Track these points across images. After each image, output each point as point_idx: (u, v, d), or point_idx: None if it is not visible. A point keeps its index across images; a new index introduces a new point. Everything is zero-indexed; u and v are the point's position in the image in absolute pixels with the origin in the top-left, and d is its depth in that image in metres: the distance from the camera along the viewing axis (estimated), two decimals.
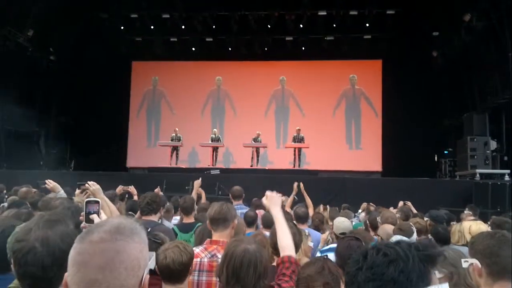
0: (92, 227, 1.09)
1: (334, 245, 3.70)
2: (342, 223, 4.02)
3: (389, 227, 3.95)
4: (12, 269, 1.48)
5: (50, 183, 4.18)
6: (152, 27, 16.55)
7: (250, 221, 4.40)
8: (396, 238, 3.36)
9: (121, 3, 15.77)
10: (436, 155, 15.40)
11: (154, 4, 15.79)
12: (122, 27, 16.84)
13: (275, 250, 2.55)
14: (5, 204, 4.89)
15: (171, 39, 17.20)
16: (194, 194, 5.81)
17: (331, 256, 3.45)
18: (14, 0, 12.87)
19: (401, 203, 6.37)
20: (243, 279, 2.01)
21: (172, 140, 14.38)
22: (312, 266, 1.96)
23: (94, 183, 3.85)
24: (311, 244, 3.49)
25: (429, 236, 4.05)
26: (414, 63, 15.76)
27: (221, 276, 2.08)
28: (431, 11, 14.26)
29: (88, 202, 2.21)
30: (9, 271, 1.60)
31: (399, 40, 16.10)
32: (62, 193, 4.25)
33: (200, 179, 6.27)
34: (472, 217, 5.56)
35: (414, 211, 6.12)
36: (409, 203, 6.38)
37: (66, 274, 1.06)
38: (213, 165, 13.94)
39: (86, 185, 3.92)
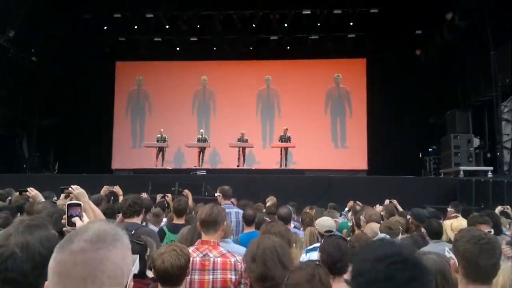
0: (72, 234, 1.05)
1: (318, 245, 3.73)
2: (326, 221, 4.06)
3: (375, 226, 3.98)
4: None
5: (32, 191, 4.10)
6: (136, 27, 16.38)
7: (250, 220, 4.32)
8: (381, 236, 3.37)
9: (104, 3, 15.57)
10: (420, 153, 15.57)
11: (138, 4, 15.62)
12: (105, 27, 16.63)
13: None
14: None
15: (155, 39, 17.06)
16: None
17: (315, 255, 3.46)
18: None
19: (387, 201, 6.41)
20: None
21: (157, 141, 14.28)
22: (301, 272, 1.90)
23: (78, 186, 3.79)
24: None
25: (422, 229, 4.09)
26: (398, 61, 15.92)
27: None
28: (414, 10, 14.40)
29: (69, 205, 2.18)
30: None
31: (383, 39, 16.23)
32: (43, 200, 4.19)
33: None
34: (455, 214, 5.63)
35: (400, 209, 6.17)
36: (394, 201, 6.43)
37: (46, 283, 1.03)
38: (199, 166, 13.89)
39: (70, 188, 3.87)
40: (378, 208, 6.07)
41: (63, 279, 0.98)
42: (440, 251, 3.42)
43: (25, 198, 4.85)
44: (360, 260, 1.17)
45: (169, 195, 6.79)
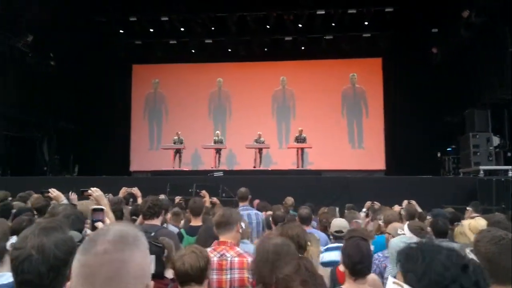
0: (94, 236, 1.08)
1: (332, 245, 3.74)
2: (337, 221, 4.13)
3: (399, 225, 3.96)
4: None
5: (54, 192, 4.18)
6: (151, 30, 16.58)
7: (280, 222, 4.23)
8: (404, 237, 3.32)
9: (120, 7, 15.80)
10: (439, 152, 15.35)
11: (152, 7, 15.81)
12: (121, 31, 16.86)
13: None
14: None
15: (171, 42, 17.21)
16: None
17: (331, 255, 3.46)
18: (13, 6, 12.90)
19: (405, 202, 6.33)
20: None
21: (174, 143, 14.40)
22: (288, 266, 1.98)
23: (97, 189, 3.87)
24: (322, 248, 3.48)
25: (428, 228, 4.05)
26: (414, 60, 15.74)
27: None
28: (430, 8, 14.23)
29: (94, 210, 2.22)
30: None
31: (398, 38, 16.09)
32: (65, 202, 4.25)
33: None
34: (474, 214, 5.55)
35: (419, 209, 6.10)
36: (413, 202, 6.35)
37: (68, 284, 1.06)
38: (216, 167, 13.94)
39: (89, 191, 3.95)
40: (397, 208, 6.02)
41: (89, 280, 1.00)
42: None
43: (47, 199, 4.95)
44: (428, 265, 1.17)
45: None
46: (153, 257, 1.16)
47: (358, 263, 2.49)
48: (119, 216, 4.22)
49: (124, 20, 16.37)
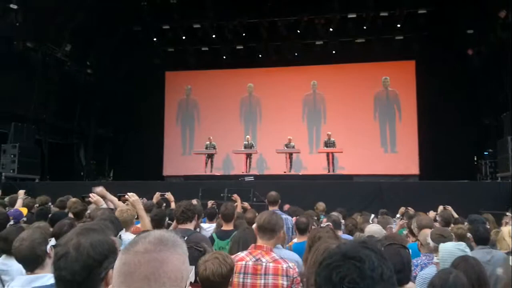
0: (136, 238, 1.13)
1: None
2: (371, 227, 4.11)
3: (429, 232, 3.89)
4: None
5: (94, 197, 4.33)
6: (183, 37, 16.89)
7: (303, 228, 4.23)
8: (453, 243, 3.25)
9: (153, 16, 16.21)
10: (475, 157, 14.91)
11: (185, 15, 16.14)
12: (155, 39, 17.27)
13: None
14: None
15: (202, 48, 17.49)
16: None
17: None
18: (52, 17, 13.42)
19: (441, 208, 6.20)
20: None
21: (206, 148, 14.58)
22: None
23: (134, 194, 4.00)
24: None
25: (468, 235, 3.96)
26: (449, 62, 15.40)
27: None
28: (465, 9, 13.89)
29: None
30: None
31: (432, 40, 15.76)
32: (105, 206, 4.39)
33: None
34: None
35: (455, 215, 5.97)
36: (449, 208, 6.22)
37: (110, 286, 1.11)
38: (247, 172, 14.01)
39: (126, 196, 4.08)
40: (432, 214, 5.90)
41: (128, 278, 1.04)
42: (483, 256, 3.30)
43: (85, 204, 5.13)
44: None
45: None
46: (193, 267, 1.20)
47: (398, 272, 2.38)
48: (157, 221, 4.30)
49: (158, 28, 16.78)
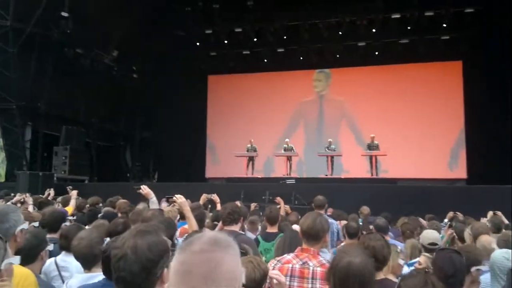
0: (191, 239, 1.15)
1: (414, 260, 3.59)
2: (430, 233, 3.95)
3: (485, 238, 3.74)
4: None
5: (145, 189, 4.48)
6: (225, 41, 17.12)
7: (353, 233, 4.28)
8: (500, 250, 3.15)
9: (196, 21, 16.54)
10: None
11: (226, 20, 16.37)
12: (198, 43, 17.61)
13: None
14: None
15: (244, 52, 17.66)
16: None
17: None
18: (100, 24, 13.96)
19: (490, 213, 5.96)
20: None
21: (247, 150, 14.67)
22: (414, 279, 1.88)
23: (181, 196, 4.10)
24: (401, 262, 3.34)
25: None
26: (497, 62, 14.74)
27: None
28: None
29: None
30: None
31: (480, 39, 15.19)
32: (154, 199, 4.52)
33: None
34: None
35: (506, 221, 5.72)
36: (499, 213, 5.97)
37: (166, 285, 1.15)
38: (288, 175, 13.99)
39: (174, 198, 4.19)
40: (483, 220, 5.68)
41: (185, 277, 1.04)
42: None
43: (131, 206, 5.32)
44: None
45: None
46: (244, 269, 1.21)
47: (451, 276, 2.37)
48: (199, 221, 4.38)
49: (201, 33, 17.09)
